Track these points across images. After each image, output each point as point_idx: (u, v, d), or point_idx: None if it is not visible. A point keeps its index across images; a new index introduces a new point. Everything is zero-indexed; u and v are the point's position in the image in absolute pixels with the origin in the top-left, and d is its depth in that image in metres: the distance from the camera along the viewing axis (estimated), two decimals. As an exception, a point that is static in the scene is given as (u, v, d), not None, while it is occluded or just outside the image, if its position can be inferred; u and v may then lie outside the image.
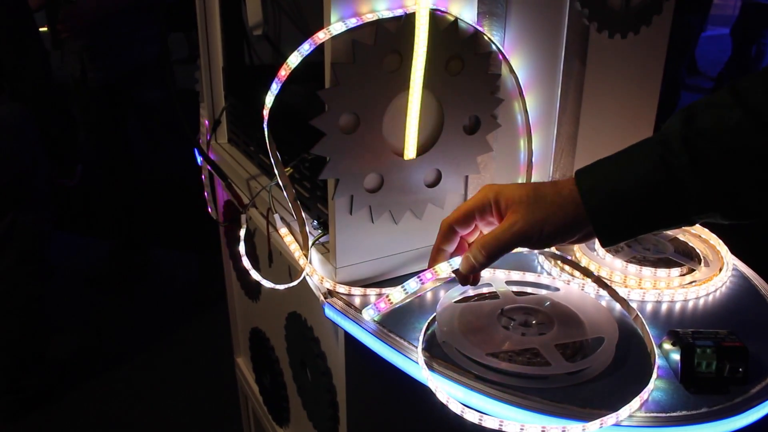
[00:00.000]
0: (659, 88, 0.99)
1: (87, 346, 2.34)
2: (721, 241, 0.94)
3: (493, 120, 0.83)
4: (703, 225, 0.90)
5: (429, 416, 0.85)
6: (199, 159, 1.30)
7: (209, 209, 1.31)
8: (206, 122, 1.31)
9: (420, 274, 0.72)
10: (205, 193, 1.32)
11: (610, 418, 0.61)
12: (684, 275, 0.87)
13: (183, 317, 2.50)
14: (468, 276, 0.70)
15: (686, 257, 0.90)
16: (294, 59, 0.72)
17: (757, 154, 0.56)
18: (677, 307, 0.82)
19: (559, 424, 0.61)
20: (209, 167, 1.20)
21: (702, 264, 0.89)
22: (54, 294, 2.64)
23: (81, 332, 2.41)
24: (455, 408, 0.63)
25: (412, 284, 0.73)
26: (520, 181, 0.92)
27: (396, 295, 0.75)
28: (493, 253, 0.65)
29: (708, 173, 0.57)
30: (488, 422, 0.61)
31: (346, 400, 0.92)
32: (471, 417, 0.62)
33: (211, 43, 1.20)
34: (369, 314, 0.77)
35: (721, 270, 0.88)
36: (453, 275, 0.72)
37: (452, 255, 0.71)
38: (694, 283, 0.85)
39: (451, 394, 0.65)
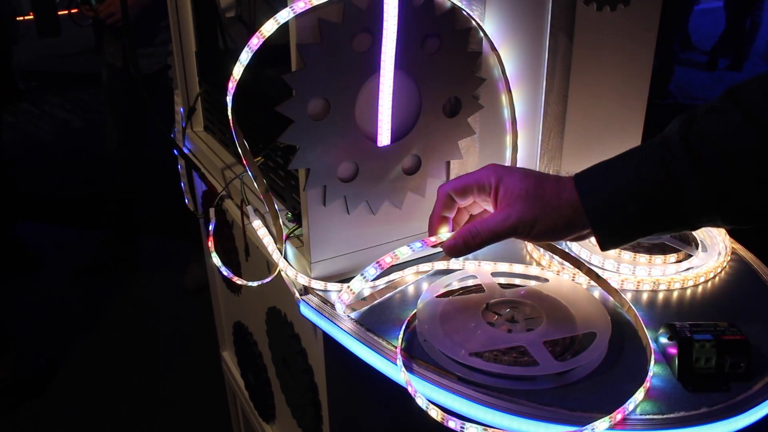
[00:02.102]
0: (652, 64, 0.94)
1: (72, 340, 2.30)
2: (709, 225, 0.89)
3: (475, 101, 0.78)
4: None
5: (413, 415, 0.81)
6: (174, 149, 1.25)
7: (186, 200, 1.26)
8: (181, 109, 1.25)
9: (379, 259, 0.68)
10: (182, 183, 1.27)
11: (602, 423, 0.56)
12: (680, 261, 0.82)
13: (172, 309, 2.46)
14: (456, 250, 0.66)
15: (683, 242, 0.85)
16: (245, 56, 0.67)
17: (757, 156, 0.55)
18: (674, 296, 0.77)
19: (549, 431, 0.56)
20: (182, 157, 1.14)
21: (699, 249, 0.84)
22: (41, 286, 2.61)
23: (66, 325, 2.37)
24: (435, 415, 0.58)
25: (370, 271, 0.68)
26: (507, 163, 0.87)
27: (355, 284, 0.70)
28: (484, 242, 0.63)
29: (708, 175, 0.55)
30: (471, 430, 0.56)
31: (328, 400, 0.88)
32: (452, 425, 0.57)
33: (183, 27, 1.14)
34: (339, 308, 0.72)
35: (719, 255, 0.83)
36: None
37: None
38: (690, 270, 0.81)
39: (432, 397, 0.61)
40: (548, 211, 0.61)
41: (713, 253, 0.84)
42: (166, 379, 2.11)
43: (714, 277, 0.81)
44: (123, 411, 1.99)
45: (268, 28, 0.65)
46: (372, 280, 0.72)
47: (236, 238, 1.14)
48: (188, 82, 1.21)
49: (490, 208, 0.66)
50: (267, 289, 0.89)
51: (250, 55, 0.68)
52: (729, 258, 0.84)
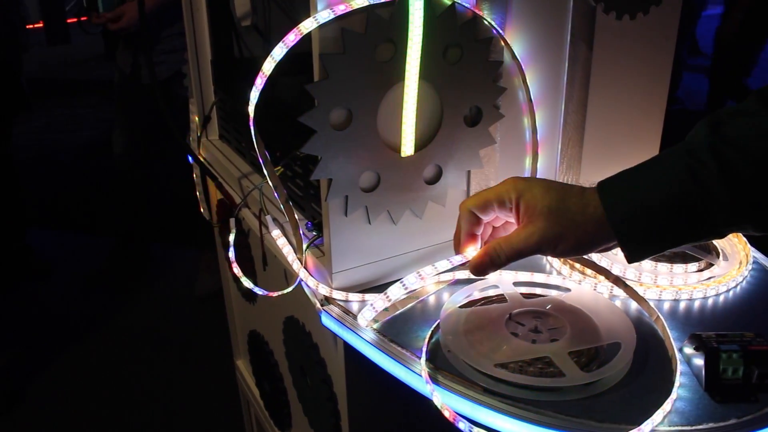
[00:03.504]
0: (670, 72, 0.93)
1: (82, 348, 2.30)
2: (739, 233, 0.89)
3: (496, 110, 0.78)
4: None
5: (431, 425, 0.80)
6: (190, 157, 1.25)
7: (201, 209, 1.26)
8: (196, 118, 1.26)
9: (420, 269, 0.68)
10: (197, 192, 1.27)
11: (632, 435, 0.56)
12: (702, 270, 0.82)
13: (182, 316, 2.46)
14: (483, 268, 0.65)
15: (703, 251, 0.85)
16: (279, 51, 0.66)
17: None
18: (696, 305, 0.77)
19: (577, 443, 0.56)
20: (198, 166, 1.15)
21: (720, 258, 0.84)
22: (51, 293, 2.62)
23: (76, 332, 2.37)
24: (464, 428, 0.58)
25: (411, 279, 0.68)
26: (527, 173, 0.87)
27: (395, 291, 0.69)
28: (508, 259, 0.62)
29: (738, 183, 0.53)
30: (500, 443, 0.56)
31: (348, 411, 0.87)
32: (480, 437, 0.57)
33: (199, 35, 1.15)
34: (365, 318, 0.72)
35: (741, 264, 0.83)
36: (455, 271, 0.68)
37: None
38: (712, 279, 0.80)
39: (458, 409, 0.61)
40: (573, 228, 0.59)
41: (734, 261, 0.84)
42: (179, 388, 2.10)
43: (736, 286, 0.80)
44: (135, 419, 1.99)
45: (307, 25, 0.64)
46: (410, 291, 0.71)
47: (252, 248, 1.14)
48: (203, 91, 1.21)
49: (512, 221, 0.65)
50: (284, 298, 0.89)
51: (285, 51, 0.67)
52: (751, 267, 0.83)
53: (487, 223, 0.67)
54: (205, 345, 2.26)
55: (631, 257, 0.59)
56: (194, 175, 1.27)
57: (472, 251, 0.66)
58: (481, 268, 0.63)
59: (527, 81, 0.80)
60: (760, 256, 0.86)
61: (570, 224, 0.59)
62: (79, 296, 2.60)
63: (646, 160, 0.60)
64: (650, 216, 0.57)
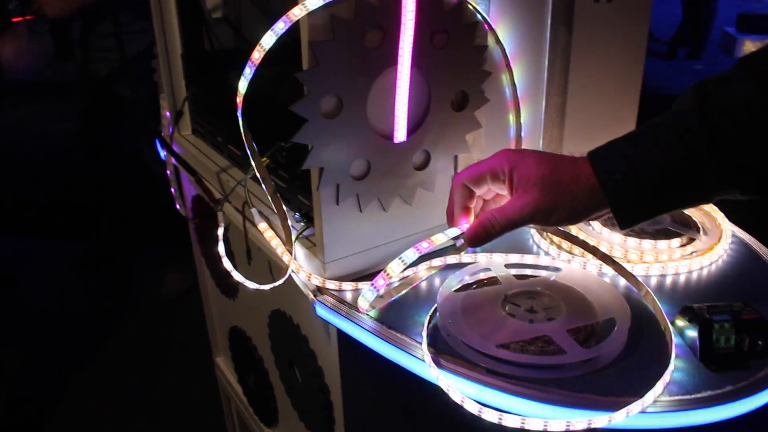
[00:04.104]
0: (645, 54, 0.95)
1: (59, 348, 2.25)
2: (716, 208, 0.91)
3: (481, 95, 0.79)
4: (718, 204, 0.87)
5: (430, 410, 0.81)
6: (163, 153, 1.23)
7: (177, 205, 1.24)
8: (167, 113, 1.23)
9: (416, 244, 0.68)
10: (172, 189, 1.25)
11: (636, 406, 0.57)
12: (685, 245, 0.84)
13: (153, 317, 2.42)
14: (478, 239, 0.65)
15: (684, 226, 0.87)
16: (268, 40, 0.65)
17: None
18: (681, 279, 0.79)
19: (583, 417, 0.57)
20: (175, 161, 1.12)
21: (701, 232, 0.86)
22: (21, 299, 2.54)
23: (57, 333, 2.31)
24: (471, 408, 0.59)
25: (409, 254, 0.68)
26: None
27: (394, 266, 0.69)
28: (504, 229, 0.63)
29: (726, 148, 0.55)
30: (509, 421, 0.57)
31: (342, 400, 0.87)
32: (489, 417, 0.58)
33: (168, 29, 1.12)
34: (365, 301, 0.71)
35: (720, 238, 0.85)
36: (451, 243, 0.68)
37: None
38: (695, 254, 0.83)
39: (464, 392, 0.61)
40: (566, 197, 0.60)
41: (714, 235, 0.86)
42: (156, 388, 2.07)
43: (718, 259, 0.82)
44: (113, 421, 1.95)
45: (296, 12, 0.63)
46: (411, 264, 0.71)
47: (232, 243, 1.12)
48: (174, 85, 1.19)
49: (505, 194, 0.65)
50: (269, 292, 0.89)
51: (275, 39, 0.66)
52: (730, 240, 0.86)
53: (478, 196, 0.67)
54: (179, 344, 2.23)
55: (624, 224, 0.60)
56: (168, 172, 1.25)
57: (465, 224, 0.66)
58: (476, 239, 0.64)
59: (510, 64, 0.81)
60: (737, 230, 0.89)
61: (564, 193, 0.60)
62: (47, 299, 2.54)
63: (635, 129, 0.61)
64: (642, 183, 0.58)
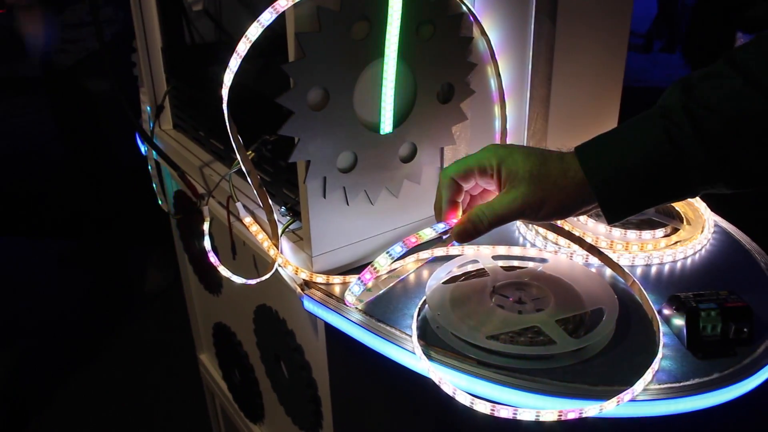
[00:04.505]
0: (627, 45, 0.96)
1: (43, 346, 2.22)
2: (698, 198, 0.92)
3: (467, 86, 0.78)
4: (703, 197, 0.88)
5: (421, 403, 0.81)
6: (143, 148, 1.21)
7: (159, 201, 1.23)
8: (148, 108, 1.21)
9: (404, 239, 0.68)
10: (153, 185, 1.23)
11: (626, 395, 0.58)
12: (669, 235, 0.84)
13: (135, 314, 2.39)
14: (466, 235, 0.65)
15: (668, 216, 0.87)
16: (254, 31, 0.65)
17: (760, 121, 0.55)
18: (666, 269, 0.80)
19: (575, 406, 0.57)
20: (157, 157, 1.11)
21: (685, 222, 0.87)
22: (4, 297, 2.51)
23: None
24: (463, 399, 0.59)
25: (396, 249, 0.68)
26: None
27: (381, 261, 0.68)
28: (492, 224, 0.63)
29: (712, 143, 0.56)
30: (502, 412, 0.57)
31: (331, 395, 0.87)
32: (481, 408, 0.58)
33: (147, 22, 1.11)
34: (352, 295, 0.71)
35: (703, 228, 0.86)
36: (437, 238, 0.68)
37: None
38: (679, 243, 0.83)
39: (455, 383, 0.61)
40: (555, 192, 0.60)
41: (697, 225, 0.87)
42: (139, 384, 2.05)
43: (701, 249, 0.83)
44: (98, 417, 1.93)
45: (283, 3, 0.62)
46: (397, 259, 0.70)
47: (216, 237, 1.11)
48: (155, 79, 1.17)
49: (492, 189, 0.66)
50: (255, 287, 0.88)
51: (260, 30, 0.65)
52: (713, 230, 0.87)
53: (465, 191, 0.67)
54: (163, 342, 2.21)
55: (611, 218, 0.61)
56: (149, 167, 1.23)
57: (453, 219, 0.66)
58: (465, 234, 0.64)
59: (496, 56, 0.81)
60: (719, 219, 0.90)
61: (552, 188, 0.60)
62: (32, 297, 2.50)
63: (620, 124, 0.61)
64: (629, 177, 0.58)
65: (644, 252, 0.80)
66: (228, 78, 0.67)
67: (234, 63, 0.66)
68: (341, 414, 0.89)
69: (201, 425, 1.63)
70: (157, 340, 2.23)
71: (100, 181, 2.50)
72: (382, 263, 0.68)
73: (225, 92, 0.68)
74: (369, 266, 0.69)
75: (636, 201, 0.60)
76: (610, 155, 0.59)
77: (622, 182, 0.59)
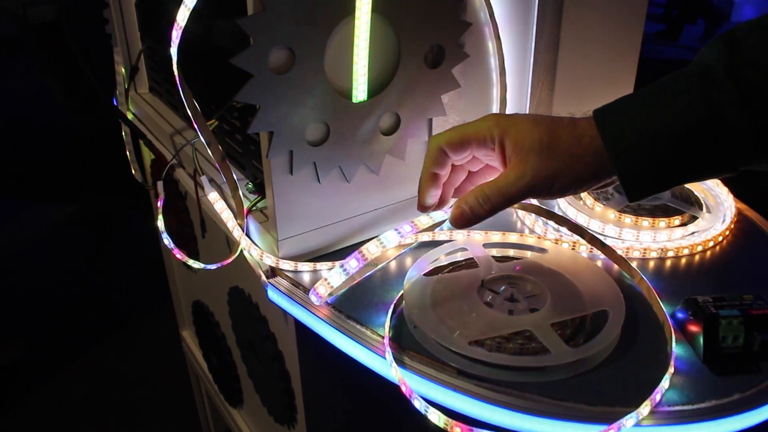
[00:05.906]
0: (646, 8, 0.85)
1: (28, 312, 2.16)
2: (720, 182, 0.82)
3: (460, 49, 0.68)
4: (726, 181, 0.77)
5: (395, 404, 0.72)
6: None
7: (132, 170, 1.14)
8: (122, 70, 1.12)
9: (360, 249, 0.60)
10: (127, 152, 1.14)
11: (629, 420, 0.49)
12: (686, 224, 0.75)
13: (123, 283, 2.33)
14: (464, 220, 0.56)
15: (686, 203, 0.78)
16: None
17: None
18: (682, 263, 0.70)
19: (568, 431, 0.49)
20: (124, 123, 1.02)
21: (704, 210, 0.77)
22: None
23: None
24: (437, 420, 0.50)
25: (390, 236, 0.60)
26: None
27: (334, 277, 0.60)
28: (497, 207, 0.54)
29: (761, 109, 0.45)
30: (480, 436, 0.48)
31: (302, 389, 0.79)
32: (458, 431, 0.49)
33: (119, -26, 1.01)
34: (327, 286, 0.62)
35: (725, 216, 0.76)
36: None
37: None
38: (697, 234, 0.74)
39: (429, 396, 0.52)
40: (569, 162, 0.51)
41: (719, 214, 0.77)
42: (123, 359, 2.00)
43: (722, 240, 0.73)
44: (81, 393, 1.88)
45: None
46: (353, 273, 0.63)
47: (191, 212, 1.03)
48: (129, 39, 1.08)
49: (495, 164, 0.56)
50: (228, 266, 0.80)
51: None
52: (735, 219, 0.77)
53: (460, 166, 0.58)
54: (148, 314, 2.15)
55: (633, 195, 0.51)
56: (123, 134, 1.14)
57: (432, 195, 0.57)
58: (462, 219, 0.55)
59: (494, 15, 0.71)
60: (744, 207, 0.80)
61: (567, 158, 0.51)
62: (20, 264, 2.44)
63: (648, 85, 0.51)
64: (656, 147, 0.49)
65: (657, 243, 0.71)
66: (176, 34, 0.58)
67: (182, 16, 0.56)
68: (314, 411, 0.81)
69: (187, 403, 1.57)
70: (144, 313, 2.17)
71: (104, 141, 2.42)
72: (336, 280, 0.61)
73: (174, 50, 0.59)
74: (356, 251, 0.60)
75: (662, 175, 0.50)
76: (633, 120, 0.50)
77: (648, 152, 0.49)
